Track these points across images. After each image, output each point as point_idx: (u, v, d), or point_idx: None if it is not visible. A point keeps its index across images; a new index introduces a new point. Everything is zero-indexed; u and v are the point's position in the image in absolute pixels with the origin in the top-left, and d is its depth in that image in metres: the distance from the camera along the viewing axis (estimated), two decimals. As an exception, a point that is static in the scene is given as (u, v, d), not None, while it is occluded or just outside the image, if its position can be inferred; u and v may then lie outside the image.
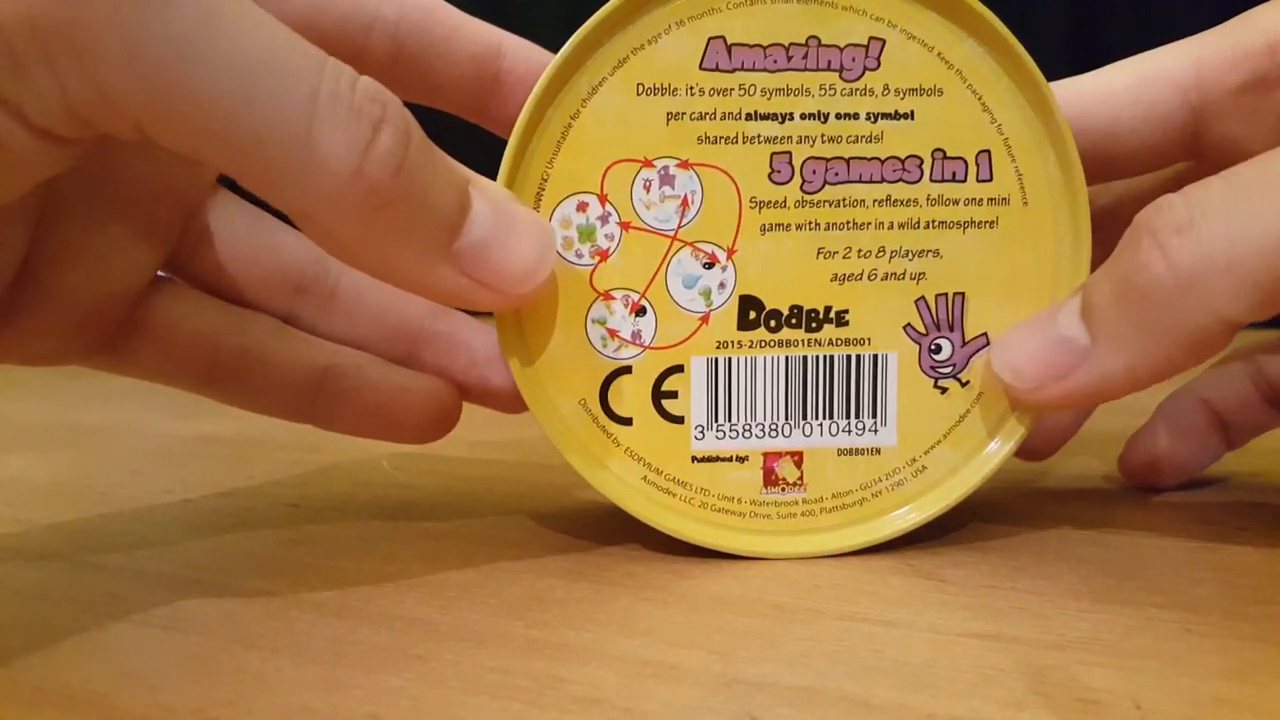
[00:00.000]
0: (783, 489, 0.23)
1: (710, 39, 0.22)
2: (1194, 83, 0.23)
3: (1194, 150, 0.24)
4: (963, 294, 0.23)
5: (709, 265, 0.23)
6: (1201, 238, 0.18)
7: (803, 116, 0.22)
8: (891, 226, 0.23)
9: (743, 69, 0.22)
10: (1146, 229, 0.19)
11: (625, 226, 0.22)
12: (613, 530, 0.25)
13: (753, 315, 0.23)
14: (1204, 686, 0.16)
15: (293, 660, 0.18)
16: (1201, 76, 0.23)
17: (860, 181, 0.22)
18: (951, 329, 0.23)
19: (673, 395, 0.23)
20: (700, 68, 0.22)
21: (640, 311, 0.23)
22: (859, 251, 0.23)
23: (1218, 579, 0.21)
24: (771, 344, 0.23)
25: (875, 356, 0.23)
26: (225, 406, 0.25)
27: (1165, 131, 0.24)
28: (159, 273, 0.24)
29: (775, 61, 0.22)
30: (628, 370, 0.23)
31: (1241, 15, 0.23)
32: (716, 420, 0.23)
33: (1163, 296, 0.19)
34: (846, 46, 0.22)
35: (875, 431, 0.23)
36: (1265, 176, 0.18)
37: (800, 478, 0.23)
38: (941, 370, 0.23)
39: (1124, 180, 0.26)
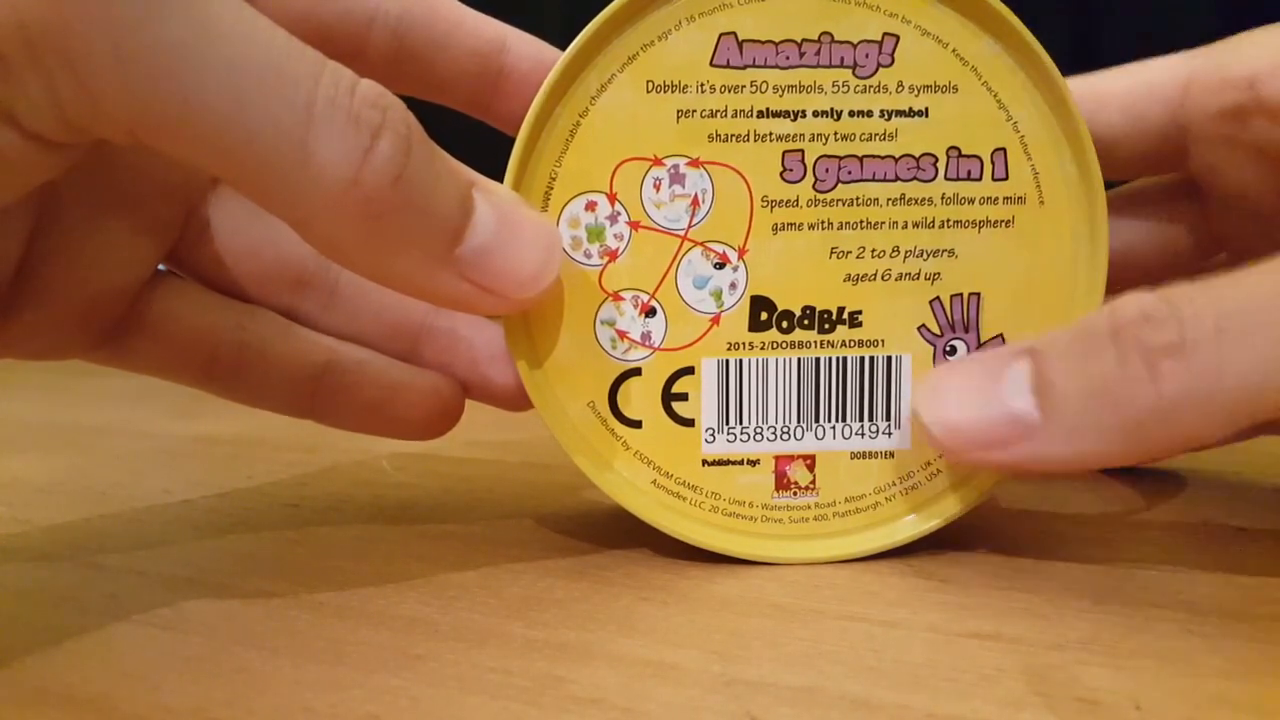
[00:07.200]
0: (795, 493, 0.23)
1: (721, 35, 0.22)
2: (1181, 101, 0.23)
3: (1182, 165, 0.24)
4: (978, 294, 0.23)
5: (720, 265, 0.22)
6: (1192, 368, 0.18)
7: (815, 114, 0.22)
8: (906, 226, 0.22)
9: (754, 66, 0.22)
10: (1136, 342, 0.18)
11: (634, 226, 0.22)
12: (614, 530, 0.25)
13: (764, 316, 0.22)
14: (1204, 686, 0.16)
15: (293, 660, 0.18)
16: (1189, 96, 0.23)
17: (874, 180, 0.22)
18: (967, 330, 0.23)
19: (683, 398, 0.23)
20: (711, 64, 0.22)
21: (650, 312, 0.22)
22: (872, 251, 0.22)
23: (1218, 579, 0.21)
24: (783, 345, 0.23)
25: (889, 358, 0.23)
26: (225, 406, 0.25)
27: (1154, 144, 0.24)
28: (160, 267, 0.23)
29: (787, 58, 0.22)
30: (637, 372, 0.23)
31: (1234, 38, 0.23)
32: (727, 423, 0.23)
33: (1140, 416, 0.18)
34: (860, 43, 0.22)
35: (889, 434, 0.23)
36: (1254, 304, 0.18)
37: (812, 481, 0.23)
38: (955, 372, 0.23)
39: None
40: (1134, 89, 0.24)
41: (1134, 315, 0.18)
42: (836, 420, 0.23)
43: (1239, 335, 0.17)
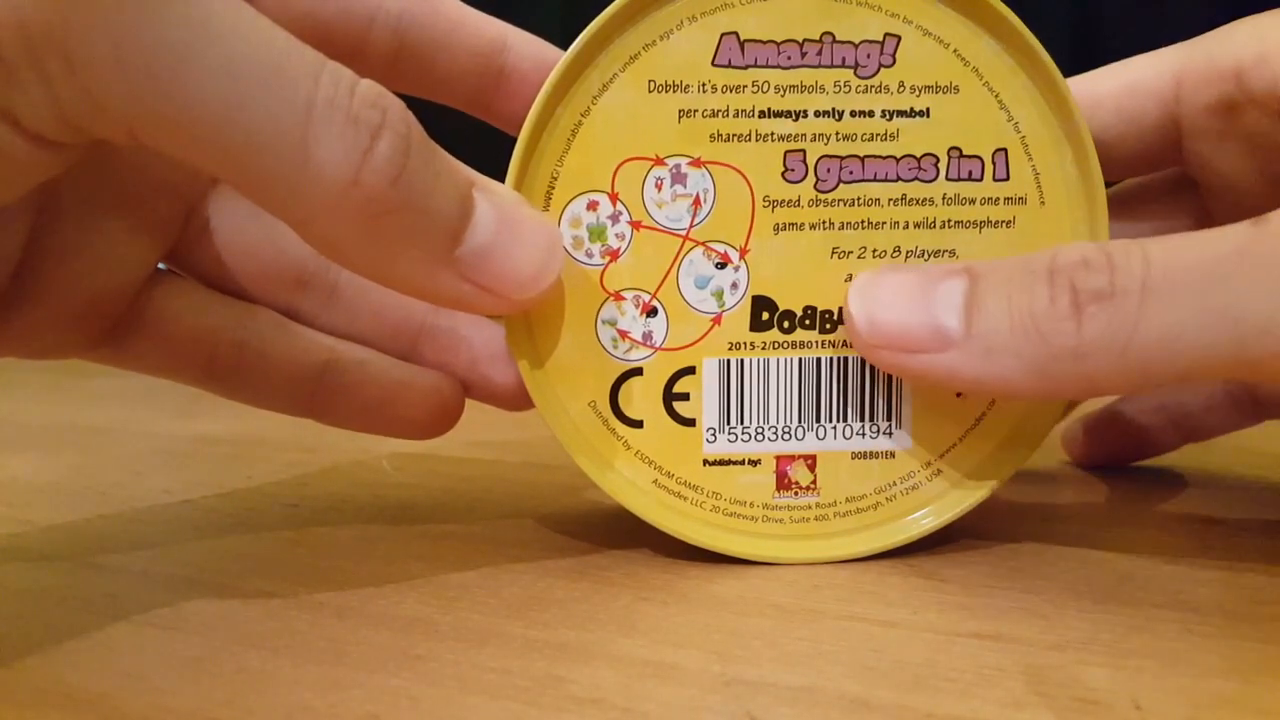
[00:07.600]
0: (795, 493, 0.23)
1: (723, 35, 0.22)
2: (1174, 95, 0.23)
3: (1177, 160, 0.24)
4: None
5: (721, 265, 0.22)
6: (1113, 317, 0.18)
7: (817, 114, 0.22)
8: (907, 226, 0.22)
9: (756, 65, 0.22)
10: (1069, 283, 0.19)
11: (636, 226, 0.22)
12: (614, 530, 0.25)
13: (766, 316, 0.22)
14: (1204, 686, 0.16)
15: (293, 660, 0.18)
16: (1180, 90, 0.23)
17: (875, 180, 0.22)
18: (967, 331, 0.23)
19: (684, 397, 0.23)
20: (713, 64, 0.22)
21: (651, 312, 0.22)
22: (874, 251, 0.22)
23: (1218, 579, 0.21)
24: (785, 345, 0.23)
25: (889, 358, 0.23)
26: (225, 406, 0.25)
27: (1149, 141, 0.24)
28: (160, 266, 0.23)
29: (789, 58, 0.22)
30: (638, 372, 0.22)
31: (1220, 30, 0.23)
32: (729, 423, 0.23)
33: (1056, 352, 0.19)
34: (861, 43, 0.22)
35: (890, 434, 0.23)
36: (1186, 268, 0.18)
37: (813, 481, 0.23)
38: (956, 373, 0.23)
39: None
40: (1126, 88, 0.24)
41: (1074, 259, 0.19)
42: (838, 420, 0.23)
43: (1165, 294, 0.18)
